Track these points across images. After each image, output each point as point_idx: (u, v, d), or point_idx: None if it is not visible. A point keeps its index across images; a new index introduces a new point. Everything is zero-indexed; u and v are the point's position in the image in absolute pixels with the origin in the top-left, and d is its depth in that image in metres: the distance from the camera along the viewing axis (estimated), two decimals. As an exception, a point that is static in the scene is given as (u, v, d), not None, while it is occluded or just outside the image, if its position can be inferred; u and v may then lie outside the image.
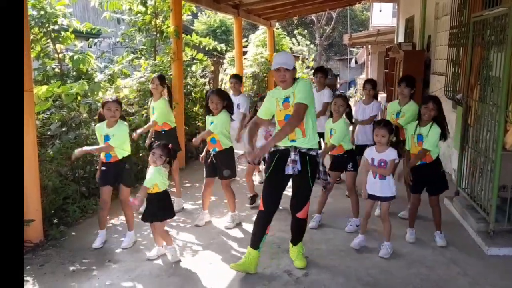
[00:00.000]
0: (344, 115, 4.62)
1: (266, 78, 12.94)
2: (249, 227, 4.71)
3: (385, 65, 11.37)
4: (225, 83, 10.18)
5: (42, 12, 5.77)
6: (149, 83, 5.31)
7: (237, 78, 6.51)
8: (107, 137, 4.12)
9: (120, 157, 4.17)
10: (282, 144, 3.60)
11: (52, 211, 4.71)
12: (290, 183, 3.73)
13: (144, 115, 6.17)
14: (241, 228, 4.72)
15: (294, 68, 3.59)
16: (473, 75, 4.90)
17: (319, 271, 3.74)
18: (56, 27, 5.98)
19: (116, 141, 4.09)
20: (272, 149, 3.67)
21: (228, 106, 4.57)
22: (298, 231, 3.83)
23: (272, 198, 3.70)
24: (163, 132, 5.22)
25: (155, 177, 3.82)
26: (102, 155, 4.17)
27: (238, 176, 6.52)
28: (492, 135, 4.21)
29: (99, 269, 3.82)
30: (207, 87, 8.89)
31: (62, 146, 4.94)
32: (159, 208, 3.87)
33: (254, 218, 4.88)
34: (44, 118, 5.19)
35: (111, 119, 4.11)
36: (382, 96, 12.91)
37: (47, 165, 4.80)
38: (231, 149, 4.68)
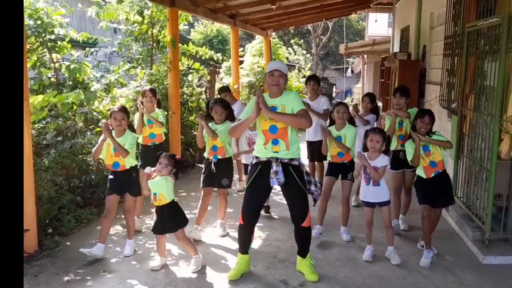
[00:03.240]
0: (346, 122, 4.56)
1: (262, 87, 12.97)
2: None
3: (381, 74, 11.44)
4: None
5: (38, 22, 5.77)
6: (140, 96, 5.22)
7: (226, 91, 6.38)
8: None
9: (128, 166, 4.21)
10: (264, 155, 3.58)
11: (47, 221, 4.68)
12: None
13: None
14: (232, 237, 4.69)
15: (287, 77, 3.59)
16: (467, 85, 4.93)
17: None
18: (53, 36, 5.98)
19: (128, 150, 4.16)
20: (254, 161, 3.67)
21: (230, 115, 4.61)
22: (304, 241, 3.76)
23: (252, 210, 3.69)
24: (153, 146, 5.09)
25: (160, 184, 3.83)
26: (110, 163, 4.17)
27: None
28: (487, 144, 4.23)
29: (94, 279, 3.79)
30: (203, 96, 8.91)
31: (58, 155, 4.93)
32: (170, 220, 3.89)
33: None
34: (39, 127, 5.18)
35: (117, 128, 4.15)
36: (378, 105, 12.91)
37: (42, 174, 4.78)
38: (231, 158, 4.70)
